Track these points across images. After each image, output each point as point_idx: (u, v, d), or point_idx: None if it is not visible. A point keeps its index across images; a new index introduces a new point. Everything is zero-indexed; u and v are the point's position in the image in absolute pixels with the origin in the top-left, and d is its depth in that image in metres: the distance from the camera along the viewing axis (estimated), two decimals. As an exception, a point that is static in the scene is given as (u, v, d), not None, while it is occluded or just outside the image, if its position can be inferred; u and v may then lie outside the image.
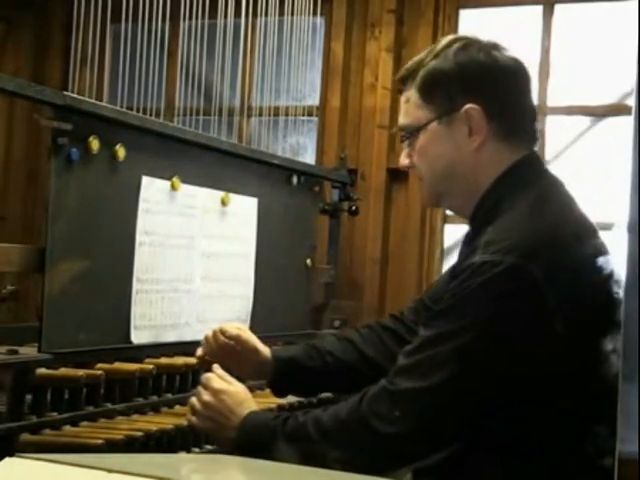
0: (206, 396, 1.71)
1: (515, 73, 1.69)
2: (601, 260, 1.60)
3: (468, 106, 1.62)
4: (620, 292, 1.60)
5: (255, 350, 1.89)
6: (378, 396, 1.55)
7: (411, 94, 1.69)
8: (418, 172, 1.73)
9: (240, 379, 1.81)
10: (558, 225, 1.57)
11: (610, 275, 1.60)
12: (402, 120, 1.72)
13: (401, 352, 1.62)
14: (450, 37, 1.72)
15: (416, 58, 1.72)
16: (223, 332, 1.89)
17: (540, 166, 1.71)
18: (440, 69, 1.65)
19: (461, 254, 1.70)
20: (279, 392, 1.96)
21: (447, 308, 1.55)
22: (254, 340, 1.91)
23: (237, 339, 1.89)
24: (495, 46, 1.69)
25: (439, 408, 1.51)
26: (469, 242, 1.66)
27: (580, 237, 1.57)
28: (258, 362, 1.89)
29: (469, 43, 1.68)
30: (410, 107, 1.69)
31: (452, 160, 1.66)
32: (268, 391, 1.99)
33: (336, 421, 1.57)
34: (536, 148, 1.72)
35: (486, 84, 1.65)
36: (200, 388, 1.74)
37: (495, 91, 1.65)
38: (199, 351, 1.94)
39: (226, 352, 1.89)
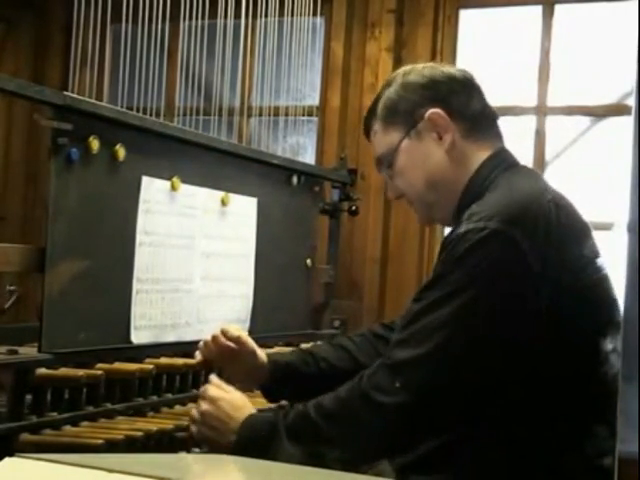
0: (204, 405, 1.73)
1: (464, 80, 1.78)
2: (581, 227, 1.66)
3: (430, 111, 1.72)
4: (603, 263, 1.66)
5: (253, 353, 1.91)
6: (377, 371, 1.58)
7: (377, 127, 1.80)
8: (407, 197, 1.80)
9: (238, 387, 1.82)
10: (535, 193, 1.63)
11: (593, 243, 1.66)
12: (377, 152, 1.82)
13: (395, 328, 1.66)
14: (397, 71, 1.84)
15: (372, 101, 1.84)
16: (224, 333, 1.91)
17: (512, 158, 1.77)
18: (394, 93, 1.77)
19: (446, 238, 1.71)
20: (272, 396, 1.97)
21: (436, 278, 1.59)
22: (252, 344, 1.93)
23: (237, 341, 1.91)
24: (438, 64, 1.84)
25: (438, 373, 1.53)
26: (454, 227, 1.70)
27: (558, 205, 1.61)
28: (255, 365, 1.91)
29: (413, 67, 1.80)
30: (379, 138, 1.80)
31: (430, 169, 1.74)
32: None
33: (337, 402, 1.59)
34: (504, 145, 1.78)
35: (438, 89, 1.74)
36: (199, 399, 1.76)
37: (449, 93, 1.74)
38: (198, 356, 1.96)
39: (225, 354, 1.91)
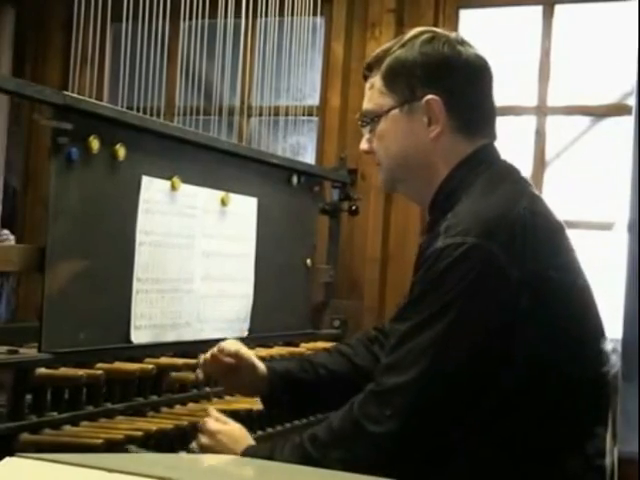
0: (203, 439, 1.73)
1: (478, 69, 1.72)
2: (559, 232, 1.64)
3: (429, 97, 1.66)
4: (581, 266, 1.65)
5: (253, 366, 1.90)
6: (367, 399, 1.56)
7: (375, 80, 1.74)
8: (377, 157, 1.77)
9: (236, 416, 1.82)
10: (510, 202, 1.60)
11: (571, 249, 1.64)
12: (365, 105, 1.77)
13: (384, 350, 1.64)
14: (419, 29, 1.75)
15: (384, 46, 1.77)
16: (221, 350, 1.89)
17: (495, 154, 1.74)
18: (404, 58, 1.69)
19: (422, 243, 1.70)
20: (271, 404, 1.96)
21: (418, 297, 1.58)
22: (251, 356, 1.91)
23: (236, 356, 1.89)
24: (462, 41, 1.72)
25: (428, 397, 1.52)
26: (430, 230, 1.68)
27: (533, 212, 1.60)
28: (255, 377, 1.89)
29: (436, 36, 1.71)
30: (374, 93, 1.74)
31: (409, 148, 1.70)
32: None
33: (330, 432, 1.58)
34: (492, 142, 1.74)
35: (448, 77, 1.68)
36: (198, 432, 1.76)
37: (456, 84, 1.68)
38: (200, 375, 1.95)
39: (225, 370, 1.90)
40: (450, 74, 1.68)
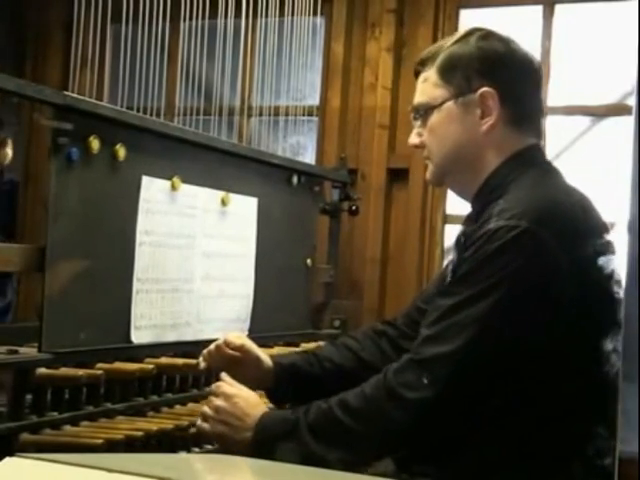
0: (218, 401, 1.72)
1: (530, 66, 1.76)
2: (602, 227, 1.67)
3: (484, 89, 1.69)
4: (617, 267, 1.66)
5: (257, 359, 1.90)
6: (404, 367, 1.58)
7: (430, 74, 1.75)
8: (427, 151, 1.78)
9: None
10: (563, 194, 1.65)
11: (608, 242, 1.66)
12: (418, 99, 1.78)
13: (423, 324, 1.65)
14: (471, 28, 1.79)
15: (437, 43, 1.81)
16: (227, 344, 1.90)
17: (543, 154, 1.78)
18: (460, 52, 1.72)
19: (464, 233, 1.72)
20: (276, 398, 1.96)
21: (466, 274, 1.59)
22: (256, 350, 1.92)
23: (241, 349, 1.90)
24: (513, 41, 1.76)
25: (466, 370, 1.54)
26: (474, 219, 1.70)
27: (584, 208, 1.65)
28: (260, 371, 1.90)
29: (490, 33, 1.75)
30: (427, 86, 1.76)
31: (461, 140, 1.72)
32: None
33: (363, 398, 1.59)
34: (540, 143, 1.78)
35: (503, 70, 1.71)
36: (211, 396, 1.75)
37: (510, 78, 1.71)
38: (202, 364, 1.94)
39: (228, 362, 1.90)
40: (505, 69, 1.71)
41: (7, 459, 1.10)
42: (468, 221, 1.76)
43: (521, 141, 1.72)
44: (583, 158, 3.52)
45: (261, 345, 2.06)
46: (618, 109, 3.45)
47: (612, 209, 3.23)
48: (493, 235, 1.56)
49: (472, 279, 1.57)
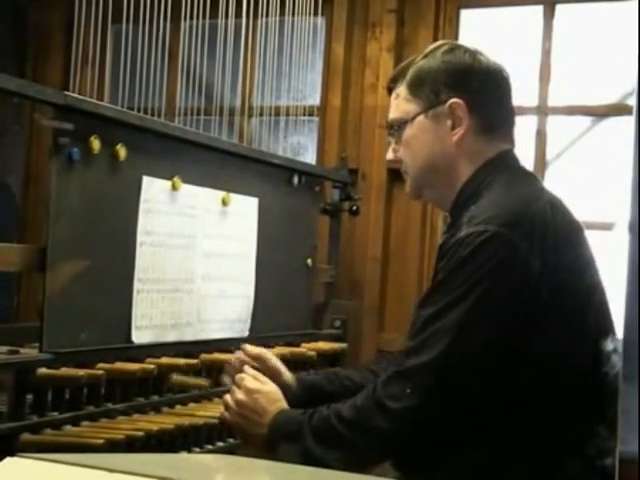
0: (240, 395, 1.79)
1: (497, 76, 1.81)
2: (578, 232, 1.70)
3: (452, 100, 1.74)
4: (597, 266, 1.70)
5: (279, 373, 1.95)
6: (389, 379, 1.62)
7: (401, 90, 1.81)
8: (403, 166, 1.84)
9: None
10: (532, 195, 1.68)
11: (587, 244, 1.70)
12: (391, 115, 1.84)
13: (408, 336, 1.69)
14: (439, 42, 1.86)
15: (406, 60, 1.87)
16: (246, 352, 1.97)
17: (516, 159, 1.81)
18: (428, 67, 1.78)
19: (443, 242, 1.74)
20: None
21: (441, 282, 1.63)
22: (277, 362, 1.97)
23: (258, 358, 1.96)
24: (480, 52, 1.81)
25: (447, 376, 1.57)
26: (449, 229, 1.74)
27: (553, 206, 1.66)
28: (280, 383, 1.91)
29: (456, 46, 1.81)
30: (399, 102, 1.81)
31: (435, 152, 1.77)
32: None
33: (354, 409, 1.64)
34: (512, 148, 1.82)
35: (470, 81, 1.76)
36: (234, 387, 1.81)
37: (478, 88, 1.76)
38: (227, 380, 1.98)
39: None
40: (472, 79, 1.76)
41: (8, 459, 1.10)
42: (446, 229, 1.79)
43: (493, 148, 1.76)
44: (584, 158, 3.52)
45: (262, 345, 2.07)
46: (618, 109, 3.45)
47: (613, 209, 3.24)
48: (463, 242, 1.59)
49: (447, 286, 1.60)
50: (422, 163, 1.78)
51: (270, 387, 1.81)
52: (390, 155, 1.85)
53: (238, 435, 1.86)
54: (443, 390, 1.56)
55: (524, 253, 1.55)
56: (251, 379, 1.81)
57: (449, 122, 1.74)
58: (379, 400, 1.60)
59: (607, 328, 1.66)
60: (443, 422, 1.59)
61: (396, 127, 1.81)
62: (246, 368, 1.86)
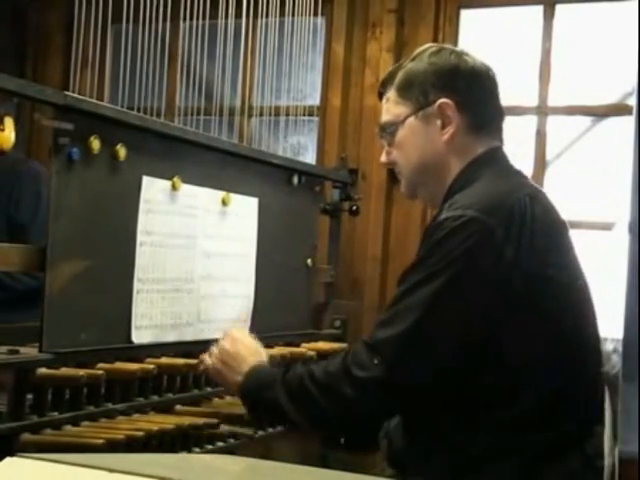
0: (224, 342, 1.91)
1: (484, 75, 1.84)
2: (560, 230, 1.73)
3: (441, 100, 1.78)
4: (580, 266, 1.73)
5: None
6: (359, 349, 1.67)
7: (390, 94, 1.86)
8: (397, 168, 1.89)
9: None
10: (513, 188, 1.71)
11: (571, 248, 1.73)
12: (383, 119, 1.89)
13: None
14: (426, 45, 1.92)
15: (396, 64, 1.93)
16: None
17: (505, 156, 1.85)
18: (415, 69, 1.83)
19: (426, 227, 1.82)
20: None
21: (417, 261, 1.69)
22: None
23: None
24: (466, 52, 1.86)
25: (413, 350, 1.61)
26: (435, 218, 1.76)
27: (534, 199, 1.69)
28: None
29: (442, 48, 1.87)
30: (390, 105, 1.86)
31: (426, 152, 1.81)
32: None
33: (325, 373, 1.70)
34: (501, 145, 1.85)
35: (457, 81, 1.80)
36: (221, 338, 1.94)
37: (465, 88, 1.80)
38: (202, 367, 2.03)
39: None
40: (459, 79, 1.80)
41: (8, 459, 1.10)
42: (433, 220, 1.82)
43: (481, 146, 1.80)
44: (584, 158, 3.53)
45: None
46: (618, 109, 3.45)
47: (613, 209, 3.24)
48: (441, 225, 1.64)
49: (421, 265, 1.66)
50: (415, 163, 1.83)
51: (253, 341, 1.92)
52: (384, 158, 1.90)
53: (216, 380, 1.98)
54: (407, 364, 1.61)
55: (499, 240, 1.58)
56: (237, 330, 1.94)
57: (439, 122, 1.78)
58: (347, 367, 1.65)
59: (589, 333, 1.67)
60: (406, 397, 1.63)
61: (388, 130, 1.85)
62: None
